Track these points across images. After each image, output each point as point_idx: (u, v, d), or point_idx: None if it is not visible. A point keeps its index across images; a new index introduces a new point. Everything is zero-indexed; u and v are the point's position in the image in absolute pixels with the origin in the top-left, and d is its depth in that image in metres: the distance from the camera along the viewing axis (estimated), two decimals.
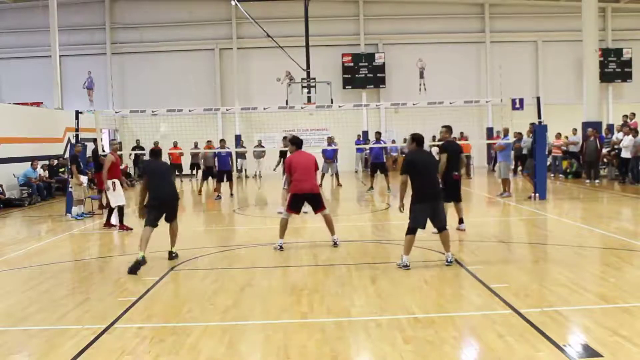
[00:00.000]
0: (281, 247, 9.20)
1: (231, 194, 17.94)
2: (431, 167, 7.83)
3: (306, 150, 11.01)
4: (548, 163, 19.68)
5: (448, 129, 10.73)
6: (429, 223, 7.78)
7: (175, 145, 23.59)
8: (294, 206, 9.38)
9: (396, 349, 4.86)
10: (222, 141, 18.88)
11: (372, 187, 18.23)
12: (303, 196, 9.33)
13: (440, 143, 11.54)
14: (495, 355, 4.67)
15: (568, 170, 21.16)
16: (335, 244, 9.39)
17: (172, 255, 8.67)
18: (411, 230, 7.66)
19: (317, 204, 9.45)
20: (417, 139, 7.92)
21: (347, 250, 9.19)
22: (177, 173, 25.05)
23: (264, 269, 8.18)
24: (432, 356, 4.72)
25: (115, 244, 11.27)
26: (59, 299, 6.75)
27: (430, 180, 7.73)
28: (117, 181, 11.79)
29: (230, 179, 18.04)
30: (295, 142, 9.75)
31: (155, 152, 9.29)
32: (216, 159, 18.14)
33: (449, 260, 7.72)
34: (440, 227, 7.79)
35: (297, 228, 11.70)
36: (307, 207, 13.62)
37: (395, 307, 6.06)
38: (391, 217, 13.51)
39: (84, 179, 14.08)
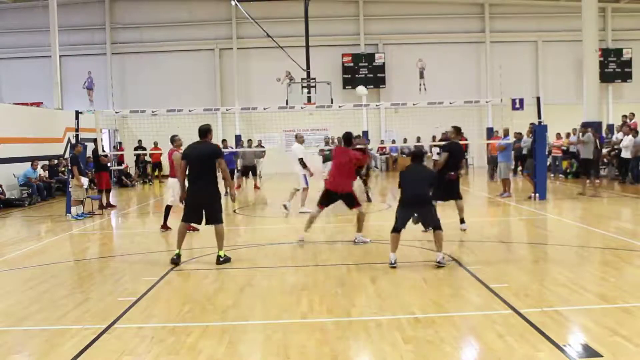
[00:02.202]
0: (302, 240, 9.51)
1: (225, 193, 18.12)
2: (416, 183, 7.96)
3: (304, 150, 11.00)
4: (548, 163, 19.67)
5: (455, 130, 10.78)
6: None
7: (155, 146, 23.48)
8: (322, 201, 9.46)
9: (396, 349, 4.86)
10: (225, 141, 20.39)
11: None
12: (332, 193, 9.34)
13: (441, 143, 11.57)
14: (495, 355, 4.67)
15: (568, 171, 21.15)
16: (355, 242, 9.47)
17: (219, 260, 8.22)
18: (393, 229, 7.94)
19: (349, 203, 9.45)
20: (412, 154, 8.32)
21: (347, 250, 9.19)
22: (157, 172, 25.35)
23: (264, 269, 8.18)
24: (432, 356, 4.72)
25: (115, 244, 11.29)
26: (59, 299, 6.75)
27: (412, 192, 7.92)
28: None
29: (233, 178, 18.46)
30: (343, 138, 9.81)
31: (205, 130, 8.34)
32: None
33: (437, 260, 7.69)
34: (433, 227, 7.91)
35: (298, 228, 11.69)
36: (307, 208, 13.68)
37: (395, 307, 6.06)
38: (391, 217, 13.49)
39: (84, 180, 14.09)
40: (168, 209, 11.38)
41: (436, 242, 7.86)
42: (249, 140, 22.13)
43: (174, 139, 11.22)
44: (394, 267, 7.67)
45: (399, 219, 8.00)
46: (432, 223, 7.96)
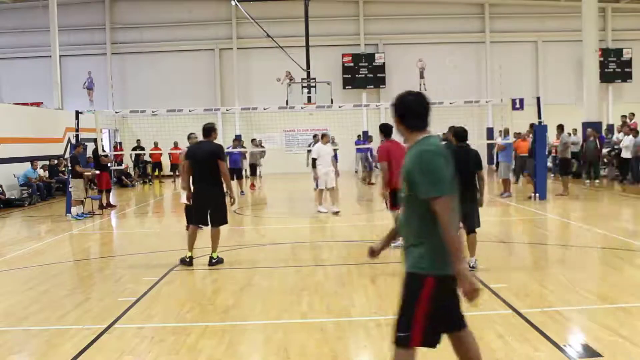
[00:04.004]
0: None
1: (241, 192, 18.46)
2: (465, 165, 7.16)
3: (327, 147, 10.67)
4: (549, 163, 19.66)
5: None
6: None
7: (155, 146, 23.79)
8: (396, 202, 8.68)
9: None
10: (236, 140, 20.91)
11: None
12: (397, 191, 8.91)
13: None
14: (495, 356, 4.67)
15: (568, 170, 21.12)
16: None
17: (211, 261, 8.17)
18: (467, 230, 7.32)
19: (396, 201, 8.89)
20: (457, 134, 7.47)
21: (347, 250, 9.19)
22: (157, 172, 25.52)
23: (264, 269, 8.18)
24: (432, 356, 4.72)
25: (115, 244, 11.29)
26: (59, 299, 6.75)
27: (461, 181, 7.30)
28: None
29: (240, 177, 18.79)
30: (384, 130, 9.01)
31: (207, 129, 8.20)
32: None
33: (471, 264, 7.39)
34: (472, 229, 7.38)
35: (297, 228, 11.70)
36: (336, 207, 13.48)
37: (395, 307, 6.05)
38: (391, 217, 13.49)
39: (91, 171, 14.62)
40: (186, 208, 11.17)
41: (471, 246, 7.41)
42: (253, 140, 22.70)
43: (189, 137, 10.73)
44: (474, 270, 7.25)
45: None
46: (475, 224, 7.35)
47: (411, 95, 3.47)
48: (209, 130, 8.22)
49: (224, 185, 8.19)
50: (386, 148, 8.90)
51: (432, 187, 3.20)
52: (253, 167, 20.90)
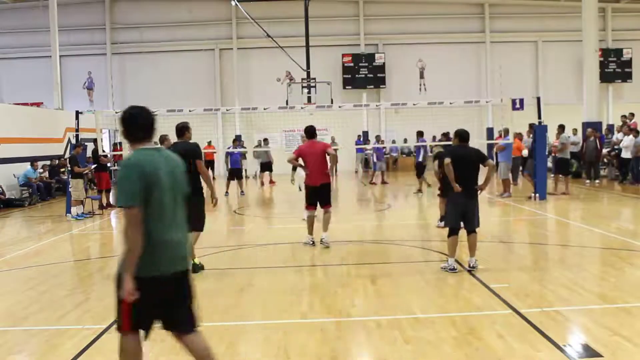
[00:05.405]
0: (313, 243, 9.39)
1: (242, 192, 18.39)
2: (468, 169, 7.33)
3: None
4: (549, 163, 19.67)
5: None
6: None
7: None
8: (311, 200, 9.36)
9: (396, 349, 4.86)
10: (235, 140, 21.64)
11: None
12: (315, 189, 9.25)
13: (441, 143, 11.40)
14: (495, 356, 4.67)
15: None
16: (322, 242, 9.22)
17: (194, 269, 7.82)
18: (450, 232, 7.45)
19: (325, 198, 9.33)
20: (459, 134, 7.58)
21: (347, 250, 9.19)
22: None
23: (263, 269, 8.18)
24: (432, 356, 4.72)
25: (115, 244, 11.28)
26: (59, 299, 6.75)
27: (465, 180, 7.32)
28: None
29: (240, 177, 18.93)
30: (307, 132, 9.40)
31: (179, 129, 7.63)
32: (228, 157, 19.71)
33: (472, 264, 7.43)
34: (473, 229, 7.45)
35: (297, 228, 11.68)
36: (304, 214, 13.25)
37: (395, 307, 6.06)
38: (391, 217, 13.51)
39: (89, 167, 14.92)
40: None
41: (471, 246, 7.47)
42: (266, 139, 23.70)
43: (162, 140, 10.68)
44: (455, 272, 7.32)
45: (452, 218, 7.42)
46: (475, 224, 7.43)
47: (134, 110, 3.78)
48: (182, 129, 7.65)
49: (203, 189, 7.70)
50: (300, 147, 9.58)
51: (119, 196, 3.45)
52: (268, 166, 21.88)
